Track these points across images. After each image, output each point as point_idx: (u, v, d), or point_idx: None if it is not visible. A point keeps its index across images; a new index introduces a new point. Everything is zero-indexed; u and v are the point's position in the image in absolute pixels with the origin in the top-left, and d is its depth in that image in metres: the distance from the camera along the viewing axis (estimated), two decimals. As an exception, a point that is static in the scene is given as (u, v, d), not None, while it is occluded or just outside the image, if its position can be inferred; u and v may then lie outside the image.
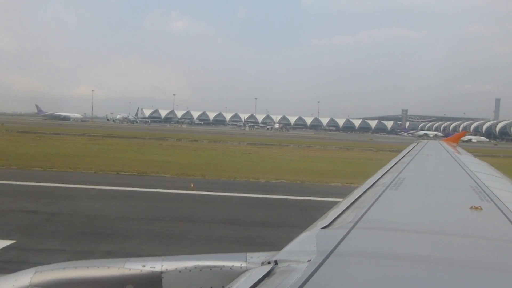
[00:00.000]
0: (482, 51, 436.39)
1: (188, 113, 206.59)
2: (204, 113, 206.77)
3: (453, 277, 1.86)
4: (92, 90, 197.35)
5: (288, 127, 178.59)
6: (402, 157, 7.81)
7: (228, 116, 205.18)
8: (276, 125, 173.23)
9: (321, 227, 2.60)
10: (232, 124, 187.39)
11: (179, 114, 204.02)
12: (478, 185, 4.48)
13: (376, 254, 2.12)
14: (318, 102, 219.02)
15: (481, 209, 3.13)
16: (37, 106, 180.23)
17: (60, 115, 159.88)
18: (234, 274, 2.25)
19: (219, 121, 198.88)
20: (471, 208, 3.12)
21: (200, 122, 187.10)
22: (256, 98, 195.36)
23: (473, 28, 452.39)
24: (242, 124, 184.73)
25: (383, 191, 3.77)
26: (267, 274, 1.93)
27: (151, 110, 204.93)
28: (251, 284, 1.85)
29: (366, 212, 2.91)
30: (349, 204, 3.28)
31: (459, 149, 12.08)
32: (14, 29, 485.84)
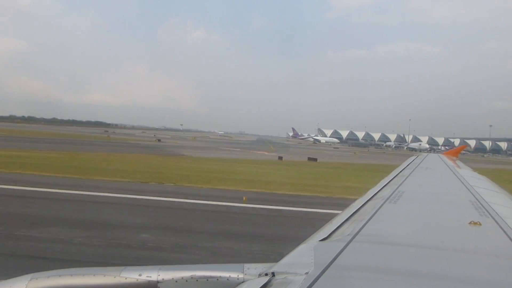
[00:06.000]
0: (499, 67, 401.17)
1: (367, 134, 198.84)
2: (383, 135, 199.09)
3: None
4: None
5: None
6: (402, 170, 7.71)
7: (392, 137, 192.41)
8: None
9: (319, 239, 2.58)
10: (411, 148, 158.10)
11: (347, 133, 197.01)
12: (477, 200, 4.44)
13: (374, 268, 2.12)
14: (410, 119, 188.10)
15: (480, 224, 3.10)
16: (293, 129, 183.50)
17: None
18: (231, 285, 2.23)
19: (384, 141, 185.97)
20: (470, 223, 3.10)
21: (395, 145, 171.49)
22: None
23: (489, 45, 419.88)
24: (434, 147, 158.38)
25: (382, 204, 3.76)
26: (264, 286, 1.91)
27: (331, 131, 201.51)
28: None
29: (364, 225, 2.89)
30: (347, 216, 3.26)
31: (458, 163, 11.97)
32: (30, 35, 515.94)
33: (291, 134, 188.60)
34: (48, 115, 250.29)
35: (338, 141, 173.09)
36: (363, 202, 3.94)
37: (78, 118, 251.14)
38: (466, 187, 5.71)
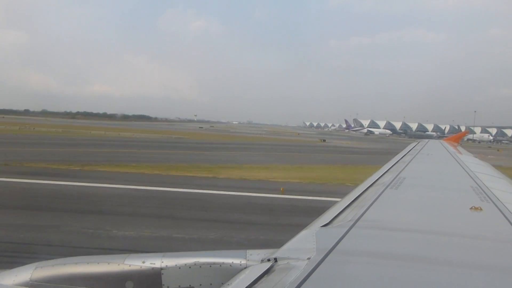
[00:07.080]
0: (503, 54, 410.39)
1: (404, 124, 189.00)
2: (420, 125, 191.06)
3: (452, 277, 1.87)
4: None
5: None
6: (403, 156, 7.71)
7: (429, 127, 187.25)
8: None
9: (321, 225, 2.60)
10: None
11: (398, 125, 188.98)
12: (478, 185, 4.45)
13: (375, 253, 2.13)
14: (475, 111, 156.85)
15: (481, 209, 3.11)
16: (346, 121, 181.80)
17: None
18: (234, 271, 2.25)
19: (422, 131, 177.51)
20: (471, 208, 3.11)
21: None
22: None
23: (494, 31, 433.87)
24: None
25: (383, 190, 3.77)
26: (267, 272, 1.94)
27: (368, 121, 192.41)
28: (250, 282, 1.86)
29: (366, 211, 2.91)
30: (349, 202, 3.28)
31: (460, 148, 11.88)
32: (30, 27, 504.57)
33: (344, 125, 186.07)
34: (60, 109, 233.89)
35: (391, 132, 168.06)
36: (364, 188, 3.95)
37: (82, 110, 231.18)
38: (467, 172, 5.71)
